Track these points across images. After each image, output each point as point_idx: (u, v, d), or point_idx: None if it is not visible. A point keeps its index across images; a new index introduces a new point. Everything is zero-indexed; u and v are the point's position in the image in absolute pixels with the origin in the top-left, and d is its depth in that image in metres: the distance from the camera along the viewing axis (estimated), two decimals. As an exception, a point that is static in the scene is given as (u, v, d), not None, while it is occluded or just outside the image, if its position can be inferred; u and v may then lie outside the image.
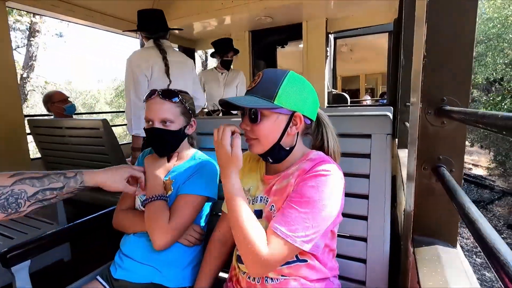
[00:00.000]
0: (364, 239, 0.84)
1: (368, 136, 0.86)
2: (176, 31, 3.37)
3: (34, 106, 10.09)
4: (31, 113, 6.80)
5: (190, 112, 1.00)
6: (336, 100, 3.48)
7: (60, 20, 2.74)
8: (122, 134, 10.39)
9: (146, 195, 0.92)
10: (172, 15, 3.16)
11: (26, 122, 2.24)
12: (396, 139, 2.19)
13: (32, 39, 7.69)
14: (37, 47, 7.91)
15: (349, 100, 3.55)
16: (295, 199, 0.65)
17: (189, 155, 1.04)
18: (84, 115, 8.64)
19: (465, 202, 0.46)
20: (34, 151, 3.44)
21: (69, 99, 2.34)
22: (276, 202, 0.71)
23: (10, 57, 2.08)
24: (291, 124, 0.71)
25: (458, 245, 0.69)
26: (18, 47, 8.96)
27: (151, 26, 1.87)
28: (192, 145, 1.09)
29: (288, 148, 0.73)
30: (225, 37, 2.71)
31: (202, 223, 1.02)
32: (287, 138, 0.72)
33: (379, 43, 5.15)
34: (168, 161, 1.00)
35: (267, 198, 0.74)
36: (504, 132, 0.32)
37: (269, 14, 2.90)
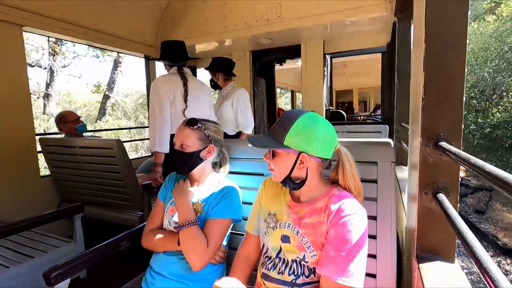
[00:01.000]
0: (374, 256, 0.94)
1: (375, 163, 0.98)
2: None
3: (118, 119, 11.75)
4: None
5: (210, 138, 1.12)
6: (333, 117, 3.64)
7: (73, 42, 2.84)
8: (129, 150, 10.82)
9: (178, 220, 1.02)
10: (177, 36, 3.30)
11: (38, 140, 2.31)
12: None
13: (116, 69, 11.05)
14: (117, 74, 11.18)
15: (345, 116, 3.71)
16: (342, 247, 0.75)
17: (211, 179, 1.14)
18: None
19: (461, 225, 0.58)
20: (43, 169, 3.47)
21: (80, 118, 2.42)
22: (308, 235, 0.82)
23: (25, 78, 2.17)
24: (298, 162, 0.82)
25: (456, 261, 0.80)
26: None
27: (174, 56, 2.11)
28: (216, 166, 1.19)
29: (299, 181, 0.85)
30: (213, 57, 2.72)
31: (225, 242, 1.11)
32: (296, 173, 0.83)
33: (371, 60, 5.39)
34: (192, 185, 1.11)
35: (296, 228, 0.84)
36: (487, 177, 0.44)
37: (269, 36, 3.07)
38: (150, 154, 3.77)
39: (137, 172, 2.76)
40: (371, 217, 0.95)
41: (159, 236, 1.08)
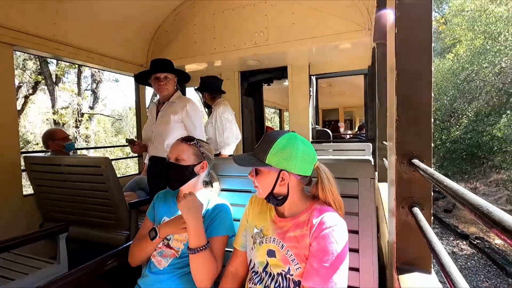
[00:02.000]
0: (357, 269, 0.98)
1: (355, 179, 1.04)
2: None
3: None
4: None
5: (203, 155, 1.17)
6: (320, 136, 3.75)
7: (65, 61, 2.88)
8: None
9: (191, 245, 1.00)
10: (167, 56, 3.38)
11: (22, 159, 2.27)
12: (376, 173, 2.42)
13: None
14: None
15: (331, 135, 3.83)
16: (325, 258, 0.79)
17: (202, 196, 1.16)
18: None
19: (431, 237, 0.63)
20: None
21: (69, 137, 2.41)
22: (292, 248, 0.86)
23: (12, 97, 2.16)
24: (279, 179, 0.88)
25: (432, 272, 0.85)
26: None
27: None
28: (207, 184, 1.23)
29: (281, 197, 0.90)
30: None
31: None
32: (278, 189, 0.89)
33: (355, 80, 5.65)
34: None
35: (281, 241, 0.88)
36: (450, 194, 0.50)
37: (257, 58, 3.20)
38: (138, 172, 3.73)
39: (124, 190, 2.73)
40: (353, 231, 1.00)
41: (138, 245, 1.09)
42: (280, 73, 3.68)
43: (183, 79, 2.22)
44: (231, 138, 2.65)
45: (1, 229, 2.03)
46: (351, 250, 0.99)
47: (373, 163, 1.09)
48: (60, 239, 1.62)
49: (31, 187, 2.34)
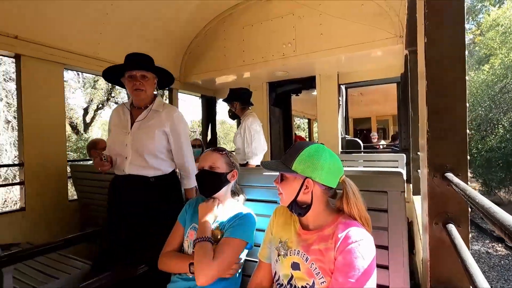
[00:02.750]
0: (386, 287, 0.93)
1: (384, 192, 1.00)
2: (200, 82, 3.77)
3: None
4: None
5: (233, 164, 1.23)
6: (349, 146, 3.65)
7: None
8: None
9: (197, 236, 1.08)
10: (198, 70, 3.55)
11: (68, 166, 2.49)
12: (411, 185, 2.29)
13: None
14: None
15: (362, 145, 3.71)
16: (350, 273, 0.77)
17: (230, 205, 1.22)
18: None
19: (467, 258, 0.59)
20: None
21: None
22: (316, 261, 0.84)
23: (62, 109, 2.40)
24: (304, 187, 0.88)
25: None
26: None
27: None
28: (234, 194, 1.27)
29: (304, 206, 0.90)
30: None
31: (239, 270, 1.14)
32: (302, 197, 0.89)
33: (388, 88, 5.44)
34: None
35: (305, 254, 0.87)
36: (482, 212, 0.47)
37: (285, 69, 3.23)
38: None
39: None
40: (382, 247, 0.96)
41: (174, 258, 1.13)
42: (309, 83, 3.67)
43: (165, 82, 1.79)
44: (259, 148, 2.70)
45: (48, 231, 2.22)
46: (380, 266, 0.94)
47: (404, 175, 1.04)
48: (98, 242, 1.73)
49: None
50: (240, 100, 2.75)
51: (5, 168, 7.39)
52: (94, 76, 9.70)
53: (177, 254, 1.16)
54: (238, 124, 2.97)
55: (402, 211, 0.96)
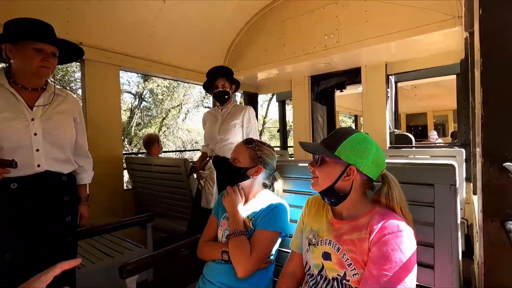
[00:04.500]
0: (431, 289, 0.85)
1: (431, 185, 0.91)
2: (242, 79, 3.84)
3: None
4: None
5: (260, 160, 1.20)
6: (399, 141, 3.38)
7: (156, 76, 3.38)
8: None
9: (229, 230, 1.11)
10: (240, 66, 3.61)
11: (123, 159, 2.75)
12: (471, 184, 2.04)
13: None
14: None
15: (413, 140, 3.40)
16: (386, 266, 0.71)
17: (261, 196, 1.22)
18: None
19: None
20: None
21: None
22: (348, 252, 0.80)
23: (118, 107, 2.65)
24: (345, 174, 0.83)
25: None
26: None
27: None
28: (266, 187, 1.26)
29: (341, 194, 0.85)
30: (218, 66, 2.21)
31: (273, 257, 1.15)
32: (340, 184, 0.84)
33: (447, 80, 4.91)
34: (242, 197, 1.19)
35: (337, 244, 0.83)
36: None
37: (328, 61, 3.12)
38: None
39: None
40: (426, 244, 0.87)
41: (210, 246, 1.18)
42: (353, 75, 3.49)
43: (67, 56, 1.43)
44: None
45: (106, 217, 2.48)
46: (422, 265, 0.86)
47: (464, 172, 0.94)
48: (147, 227, 1.88)
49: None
50: (236, 83, 2.23)
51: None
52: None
53: (211, 243, 1.20)
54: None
55: (452, 206, 0.86)
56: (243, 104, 2.25)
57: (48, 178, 1.24)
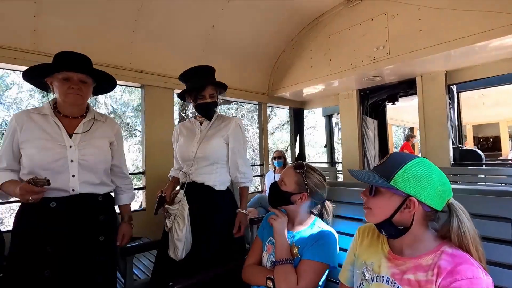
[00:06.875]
0: None
1: (508, 220, 0.78)
2: (287, 95, 3.85)
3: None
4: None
5: (307, 187, 1.14)
6: (464, 158, 3.00)
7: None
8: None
9: (275, 256, 1.09)
10: (286, 83, 3.64)
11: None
12: None
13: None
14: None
15: (483, 157, 2.99)
16: None
17: (308, 222, 1.17)
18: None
19: None
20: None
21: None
22: None
23: (172, 127, 2.85)
24: (404, 206, 0.75)
25: None
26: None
27: None
28: (313, 214, 1.22)
29: (401, 227, 0.77)
30: (199, 66, 1.64)
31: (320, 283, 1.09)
32: (399, 217, 0.76)
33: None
34: (288, 222, 1.17)
35: (396, 283, 0.76)
36: None
37: (378, 74, 2.97)
38: (260, 190, 4.07)
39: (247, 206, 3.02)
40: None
41: (255, 271, 1.17)
42: (405, 86, 3.26)
43: (104, 87, 1.47)
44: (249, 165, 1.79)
45: (162, 229, 2.63)
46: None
47: None
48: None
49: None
50: (223, 87, 1.68)
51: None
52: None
53: (256, 267, 1.19)
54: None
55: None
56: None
57: (83, 198, 1.29)
